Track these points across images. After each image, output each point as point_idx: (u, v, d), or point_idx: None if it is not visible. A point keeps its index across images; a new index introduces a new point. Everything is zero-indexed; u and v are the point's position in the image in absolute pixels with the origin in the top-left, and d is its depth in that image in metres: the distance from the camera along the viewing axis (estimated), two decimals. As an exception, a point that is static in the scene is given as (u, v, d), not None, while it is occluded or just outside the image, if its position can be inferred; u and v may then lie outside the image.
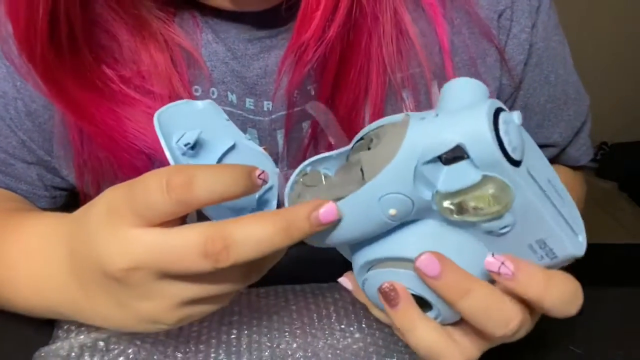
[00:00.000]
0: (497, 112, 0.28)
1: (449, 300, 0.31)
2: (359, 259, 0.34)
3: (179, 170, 0.30)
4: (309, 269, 0.60)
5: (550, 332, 0.45)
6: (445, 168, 0.29)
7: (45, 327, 0.45)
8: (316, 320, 0.47)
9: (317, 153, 0.51)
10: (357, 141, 0.35)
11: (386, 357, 0.44)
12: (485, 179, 0.28)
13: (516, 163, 0.28)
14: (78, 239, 0.34)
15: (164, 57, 0.47)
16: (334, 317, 0.47)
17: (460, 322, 0.34)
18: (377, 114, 0.47)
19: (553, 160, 0.62)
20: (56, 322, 0.46)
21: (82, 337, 0.44)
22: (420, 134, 0.29)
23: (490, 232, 0.30)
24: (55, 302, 0.38)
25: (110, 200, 0.32)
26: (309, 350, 0.44)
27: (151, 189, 0.30)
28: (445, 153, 0.28)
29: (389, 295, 0.32)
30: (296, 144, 0.50)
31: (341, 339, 0.45)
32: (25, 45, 0.41)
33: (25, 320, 0.43)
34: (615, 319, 0.50)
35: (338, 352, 0.44)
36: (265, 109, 0.49)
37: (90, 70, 0.44)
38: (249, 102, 0.49)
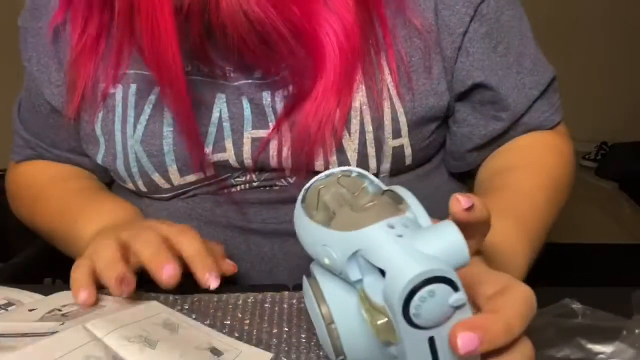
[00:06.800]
0: (432, 280, 0.30)
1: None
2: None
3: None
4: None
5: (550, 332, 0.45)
6: (380, 275, 0.32)
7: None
8: (304, 335, 0.45)
9: (287, 117, 0.56)
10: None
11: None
12: (385, 309, 0.32)
13: (416, 326, 0.31)
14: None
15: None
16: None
17: None
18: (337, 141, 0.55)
19: (516, 130, 0.64)
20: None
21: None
22: (375, 236, 0.33)
23: None
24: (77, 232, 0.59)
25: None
26: None
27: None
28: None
29: None
30: (259, 110, 0.57)
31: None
32: None
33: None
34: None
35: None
36: (230, 75, 0.56)
37: None
38: (218, 70, 0.56)
